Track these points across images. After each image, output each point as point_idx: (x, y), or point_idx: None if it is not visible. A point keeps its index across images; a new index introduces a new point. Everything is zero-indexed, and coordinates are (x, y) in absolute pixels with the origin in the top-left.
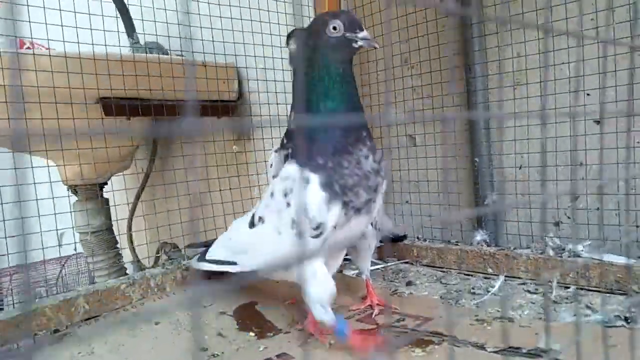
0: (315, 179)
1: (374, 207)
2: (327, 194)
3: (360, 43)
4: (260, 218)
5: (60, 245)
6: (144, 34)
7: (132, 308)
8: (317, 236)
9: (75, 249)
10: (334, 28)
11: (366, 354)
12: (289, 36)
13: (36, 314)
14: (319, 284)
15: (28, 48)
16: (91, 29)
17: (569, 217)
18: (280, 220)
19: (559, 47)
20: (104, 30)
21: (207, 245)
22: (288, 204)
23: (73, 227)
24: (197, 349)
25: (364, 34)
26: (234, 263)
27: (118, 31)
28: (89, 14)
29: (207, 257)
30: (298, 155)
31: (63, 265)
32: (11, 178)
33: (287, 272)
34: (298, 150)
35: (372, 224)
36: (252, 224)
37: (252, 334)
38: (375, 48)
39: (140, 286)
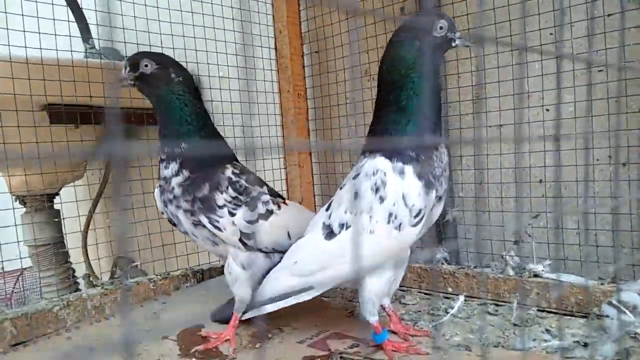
0: (410, 169)
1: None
2: (423, 182)
3: (457, 42)
4: (342, 225)
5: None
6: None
7: (66, 332)
8: (416, 224)
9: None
10: (441, 27)
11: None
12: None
13: None
14: (389, 282)
15: None
16: (39, 32)
17: (529, 235)
18: (372, 218)
19: (519, 61)
20: (55, 35)
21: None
22: (382, 199)
23: (18, 242)
24: None
25: (459, 34)
26: (311, 288)
27: (70, 35)
28: (37, 17)
29: (266, 297)
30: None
31: (18, 278)
32: None
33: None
34: (374, 147)
35: None
36: (330, 236)
37: (194, 359)
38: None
39: (76, 308)
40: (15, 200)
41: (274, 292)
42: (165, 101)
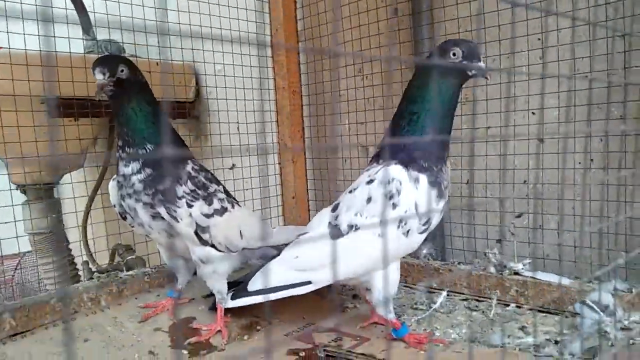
0: (424, 178)
1: None
2: (436, 190)
3: (473, 72)
4: (351, 226)
5: None
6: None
7: (63, 324)
8: (423, 231)
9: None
10: (453, 54)
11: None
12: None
13: None
14: (396, 282)
15: None
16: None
17: (512, 234)
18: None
19: (507, 65)
20: (53, 24)
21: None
22: (395, 205)
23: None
24: None
25: (479, 64)
26: (308, 282)
27: (68, 24)
28: (36, 5)
29: (259, 287)
30: (402, 158)
31: (18, 263)
32: None
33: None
34: (400, 154)
35: None
36: (337, 236)
37: (185, 351)
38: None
39: (73, 300)
40: (16, 189)
41: (268, 283)
42: (135, 106)
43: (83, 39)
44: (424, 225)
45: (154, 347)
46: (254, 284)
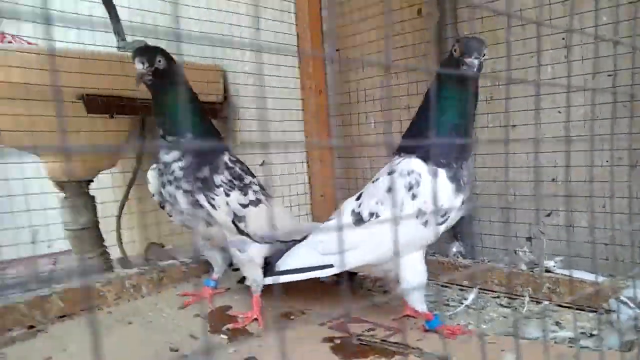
0: (443, 173)
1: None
2: (454, 185)
3: (464, 67)
4: (372, 214)
5: (33, 243)
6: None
7: (107, 307)
8: (442, 223)
9: (48, 246)
10: (455, 50)
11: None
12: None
13: (11, 309)
14: (423, 272)
15: (9, 42)
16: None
17: (542, 232)
18: (403, 212)
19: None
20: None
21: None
22: (414, 196)
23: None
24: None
25: (469, 60)
26: (330, 266)
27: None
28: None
29: (286, 267)
30: (422, 153)
31: (54, 262)
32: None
33: (389, 262)
34: (422, 149)
35: None
36: (359, 222)
37: (223, 336)
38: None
39: (116, 286)
40: (54, 186)
41: (293, 265)
42: (173, 95)
43: (117, 42)
44: (442, 217)
45: (193, 331)
46: (283, 264)
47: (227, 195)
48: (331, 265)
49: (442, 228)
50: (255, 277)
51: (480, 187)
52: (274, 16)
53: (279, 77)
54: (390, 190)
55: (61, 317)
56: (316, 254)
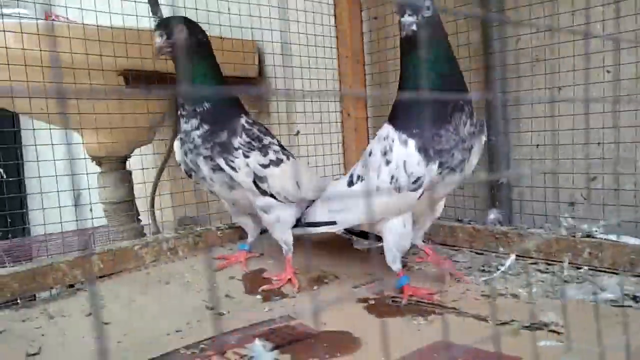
0: (412, 142)
1: (469, 166)
2: (422, 155)
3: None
4: (359, 177)
5: (75, 206)
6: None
7: (145, 269)
8: (414, 189)
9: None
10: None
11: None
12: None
13: (53, 268)
14: (404, 235)
15: (53, 20)
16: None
17: (584, 198)
18: (380, 176)
19: (577, 22)
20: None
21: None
22: (388, 162)
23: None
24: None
25: (402, 19)
26: (334, 222)
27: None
28: None
29: (307, 220)
30: (398, 121)
31: (91, 233)
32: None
33: (376, 223)
34: (398, 117)
35: None
36: (350, 184)
37: (258, 296)
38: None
39: (154, 249)
40: (92, 161)
41: (312, 218)
42: (194, 64)
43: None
44: (413, 183)
45: (229, 291)
46: (305, 217)
47: (246, 156)
48: (335, 222)
49: (418, 194)
50: (285, 238)
51: (521, 152)
52: None
53: (315, 46)
54: (371, 154)
55: (100, 277)
56: (326, 210)
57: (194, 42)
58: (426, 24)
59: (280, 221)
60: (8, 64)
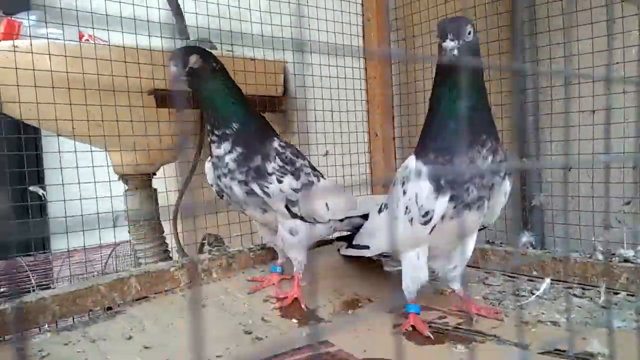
0: (425, 170)
1: (487, 205)
2: (433, 185)
3: (442, 53)
4: (385, 205)
5: (114, 227)
6: (197, 27)
7: (180, 291)
8: (425, 223)
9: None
10: (437, 36)
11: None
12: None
13: (91, 291)
14: (417, 268)
15: (87, 40)
16: (148, 21)
17: (619, 222)
18: (398, 206)
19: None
20: (159, 23)
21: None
22: (404, 192)
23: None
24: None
25: (444, 44)
26: (367, 247)
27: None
28: (147, 7)
29: (354, 242)
30: (419, 149)
31: (114, 249)
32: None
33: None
34: (420, 145)
35: None
36: (379, 210)
37: (294, 320)
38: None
39: (188, 270)
40: (119, 179)
41: (358, 241)
42: (213, 90)
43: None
44: (423, 217)
45: (265, 315)
46: (355, 240)
47: (280, 181)
48: (368, 247)
49: (428, 228)
50: (300, 258)
51: (553, 176)
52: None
53: (344, 67)
54: (394, 184)
55: (138, 299)
56: (364, 234)
57: (210, 70)
58: (467, 49)
59: (302, 243)
60: (52, 87)
